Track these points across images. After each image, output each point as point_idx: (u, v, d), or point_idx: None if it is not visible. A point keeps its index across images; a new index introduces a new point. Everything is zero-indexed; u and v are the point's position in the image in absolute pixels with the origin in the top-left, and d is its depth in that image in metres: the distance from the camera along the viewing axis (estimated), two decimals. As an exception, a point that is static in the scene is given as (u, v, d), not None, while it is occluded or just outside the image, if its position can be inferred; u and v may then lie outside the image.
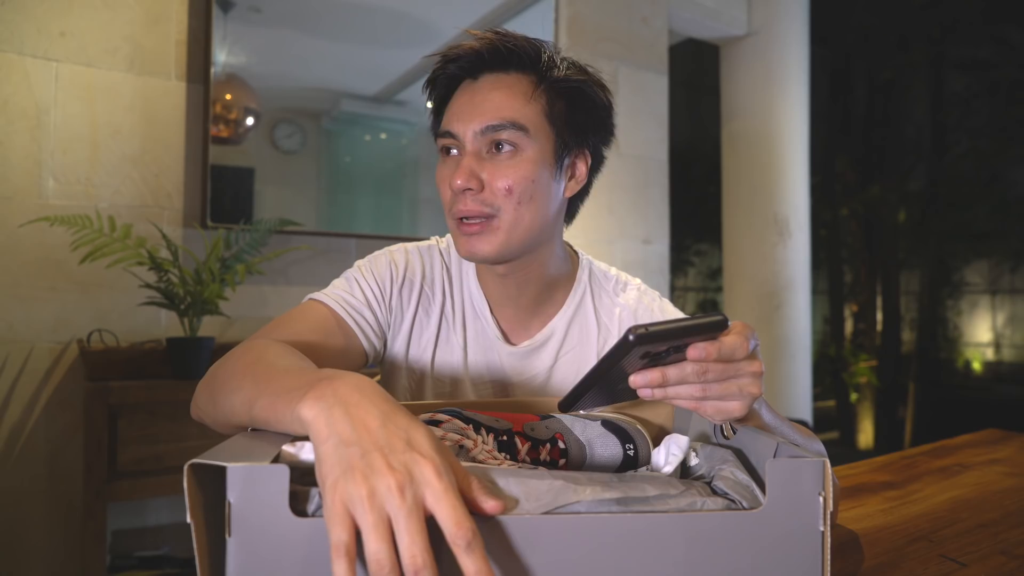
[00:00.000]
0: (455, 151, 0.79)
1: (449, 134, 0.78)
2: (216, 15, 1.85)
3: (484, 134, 0.76)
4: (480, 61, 0.78)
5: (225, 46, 1.89)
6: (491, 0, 2.31)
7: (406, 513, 0.37)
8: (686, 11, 3.06)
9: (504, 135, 0.76)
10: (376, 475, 0.38)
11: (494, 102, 0.76)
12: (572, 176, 0.83)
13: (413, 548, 0.36)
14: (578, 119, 0.80)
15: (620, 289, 0.91)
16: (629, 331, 0.45)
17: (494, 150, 0.76)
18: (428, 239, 0.92)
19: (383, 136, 2.18)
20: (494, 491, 0.42)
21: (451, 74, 0.80)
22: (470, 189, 0.75)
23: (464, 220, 0.77)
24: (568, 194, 0.83)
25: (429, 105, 0.86)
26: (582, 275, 0.90)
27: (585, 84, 0.80)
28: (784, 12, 3.29)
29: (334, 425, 0.41)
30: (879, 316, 6.74)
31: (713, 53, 3.58)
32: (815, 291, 4.69)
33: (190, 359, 1.60)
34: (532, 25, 2.43)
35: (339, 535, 0.36)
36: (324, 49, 2.05)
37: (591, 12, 2.62)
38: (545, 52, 0.79)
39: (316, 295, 0.80)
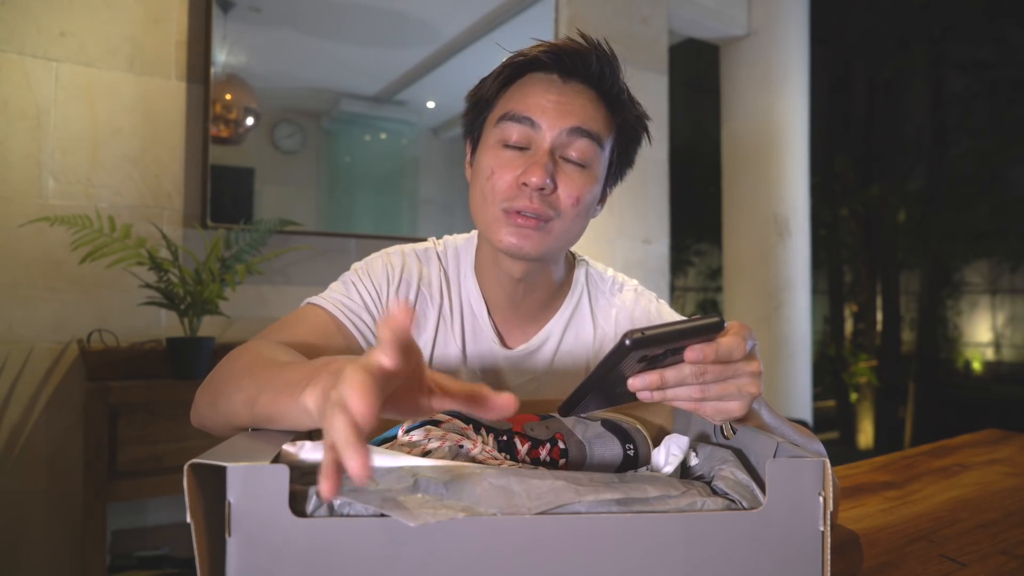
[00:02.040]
0: (521, 144, 0.76)
1: (529, 121, 0.75)
2: (216, 15, 1.85)
3: (570, 135, 0.75)
4: (578, 64, 0.76)
5: (225, 46, 1.89)
6: (491, 0, 2.31)
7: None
8: (686, 11, 3.06)
9: (585, 147, 0.76)
10: None
11: (587, 110, 0.76)
12: (602, 201, 0.85)
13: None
14: (629, 157, 0.85)
15: (616, 290, 0.91)
16: (625, 336, 0.45)
17: (570, 159, 0.76)
18: (425, 240, 0.91)
19: (383, 136, 2.18)
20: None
21: (539, 63, 0.77)
22: (543, 189, 0.74)
23: (520, 214, 0.76)
24: (595, 215, 0.85)
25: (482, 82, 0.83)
26: (579, 277, 0.90)
27: (645, 127, 0.84)
28: (784, 12, 3.29)
29: None
30: (879, 316, 6.74)
31: (713, 53, 3.58)
32: (815, 291, 4.69)
33: (190, 359, 1.60)
34: (532, 25, 2.43)
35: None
36: (324, 49, 2.05)
37: (591, 12, 2.62)
38: (627, 92, 0.80)
39: (313, 299, 0.80)
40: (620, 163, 0.84)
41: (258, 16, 1.93)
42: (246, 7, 1.91)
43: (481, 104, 0.82)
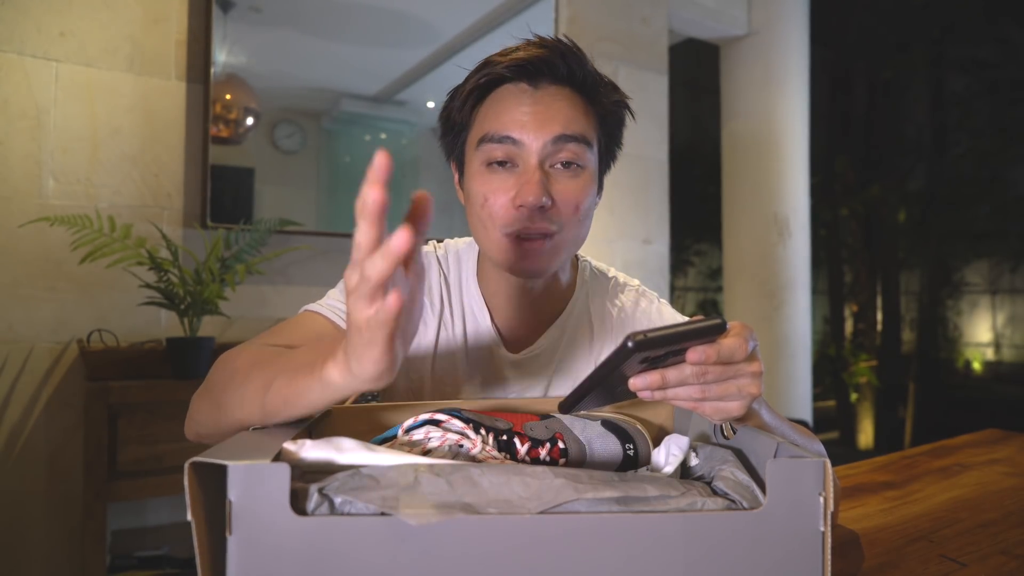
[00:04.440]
0: (509, 162, 0.74)
1: (510, 140, 0.73)
2: (216, 15, 1.85)
3: (555, 144, 0.73)
4: (544, 69, 0.74)
5: (225, 46, 1.89)
6: (491, 0, 2.31)
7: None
8: (686, 11, 3.06)
9: (574, 149, 0.74)
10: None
11: (565, 113, 0.73)
12: (599, 190, 0.83)
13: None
14: (615, 138, 0.82)
15: (618, 291, 0.91)
16: (628, 338, 0.45)
17: (560, 165, 0.74)
18: (425, 244, 0.91)
19: (383, 136, 2.18)
20: None
21: (503, 77, 0.75)
22: (542, 207, 0.72)
23: (524, 237, 0.74)
24: (595, 207, 0.83)
25: (447, 106, 0.80)
26: (581, 278, 0.90)
27: (626, 107, 0.81)
28: (784, 12, 3.29)
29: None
30: (879, 316, 6.74)
31: (713, 53, 3.58)
32: (815, 291, 4.69)
33: (190, 359, 1.60)
34: (532, 25, 2.43)
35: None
36: (324, 49, 2.05)
37: (591, 12, 2.62)
38: (598, 73, 0.78)
39: (311, 306, 0.79)
40: (609, 149, 0.82)
41: (258, 16, 1.93)
42: (246, 7, 1.91)
43: (456, 127, 0.80)
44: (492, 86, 0.76)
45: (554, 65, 0.73)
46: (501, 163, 0.74)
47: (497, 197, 0.74)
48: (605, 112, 0.78)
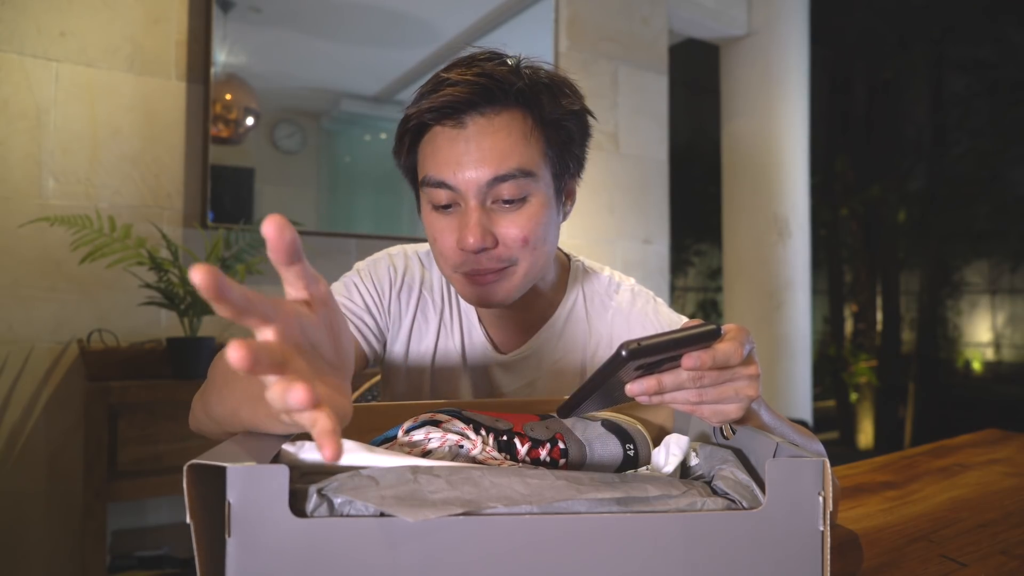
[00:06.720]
0: (450, 203, 0.72)
1: (446, 185, 0.70)
2: (216, 15, 1.85)
3: (491, 186, 0.69)
4: (466, 108, 0.69)
5: (225, 46, 1.89)
6: (491, 0, 2.31)
7: None
8: (686, 11, 3.06)
9: (513, 185, 0.70)
10: None
11: (497, 149, 0.69)
12: (568, 198, 0.80)
13: None
14: (575, 145, 0.77)
15: (613, 291, 0.89)
16: (621, 347, 0.45)
17: (501, 202, 0.71)
18: (427, 241, 0.91)
19: (383, 136, 2.18)
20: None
21: (426, 124, 0.72)
22: (485, 249, 0.70)
23: (475, 273, 0.73)
24: (566, 218, 0.80)
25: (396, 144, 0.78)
26: (573, 280, 0.88)
27: (581, 112, 0.76)
28: (784, 12, 3.29)
29: None
30: (879, 316, 6.74)
31: (713, 53, 3.58)
32: (815, 291, 4.68)
33: (190, 359, 1.60)
34: (532, 25, 2.43)
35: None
36: (324, 49, 2.05)
37: (591, 12, 2.62)
38: (536, 84, 0.72)
39: None
40: (564, 160, 0.76)
41: (258, 16, 1.93)
42: (246, 7, 1.91)
43: (405, 165, 0.78)
44: (422, 130, 0.73)
45: (475, 102, 0.69)
46: (447, 207, 0.72)
47: (444, 238, 0.73)
48: (552, 124, 0.73)
